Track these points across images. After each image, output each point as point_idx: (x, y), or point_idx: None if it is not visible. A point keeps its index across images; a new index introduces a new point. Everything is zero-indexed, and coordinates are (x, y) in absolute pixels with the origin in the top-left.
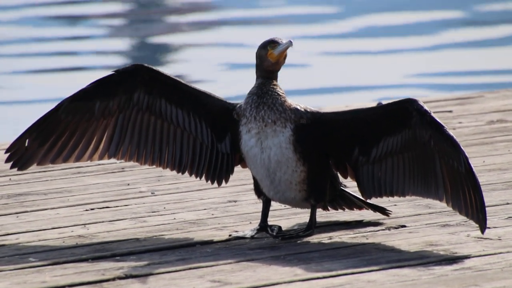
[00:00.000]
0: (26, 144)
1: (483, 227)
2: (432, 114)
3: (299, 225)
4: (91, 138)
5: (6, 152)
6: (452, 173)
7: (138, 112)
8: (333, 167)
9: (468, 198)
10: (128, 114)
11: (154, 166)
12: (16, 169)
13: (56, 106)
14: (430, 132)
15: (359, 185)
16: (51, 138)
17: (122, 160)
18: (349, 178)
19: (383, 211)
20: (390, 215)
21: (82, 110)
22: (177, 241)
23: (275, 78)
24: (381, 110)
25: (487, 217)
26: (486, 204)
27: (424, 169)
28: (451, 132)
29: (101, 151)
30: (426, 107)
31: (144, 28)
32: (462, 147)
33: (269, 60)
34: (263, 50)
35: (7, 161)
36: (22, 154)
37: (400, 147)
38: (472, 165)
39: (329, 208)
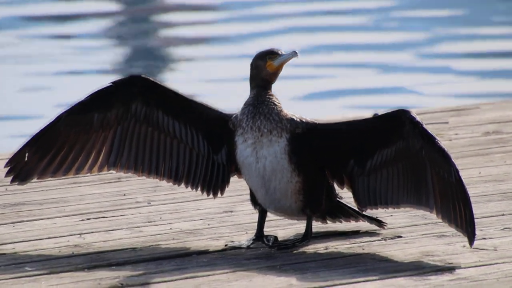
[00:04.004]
0: (26, 158)
1: (471, 240)
2: (424, 125)
3: (295, 235)
4: (91, 150)
5: (5, 166)
6: (443, 184)
7: (136, 124)
8: (329, 177)
9: (458, 210)
10: (126, 126)
11: (151, 178)
12: (17, 183)
13: (55, 119)
14: (422, 143)
15: (354, 196)
16: (51, 151)
17: (120, 172)
18: (345, 189)
19: (379, 223)
20: (385, 227)
21: (81, 122)
22: (173, 251)
23: (270, 88)
24: (375, 121)
25: (484, 228)
26: (482, 215)
27: (416, 180)
28: (442, 144)
29: (101, 162)
30: (418, 118)
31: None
32: (453, 159)
33: (267, 70)
34: (261, 60)
35: (7, 175)
36: (22, 167)
37: (394, 158)
38: (462, 178)
39: (327, 221)
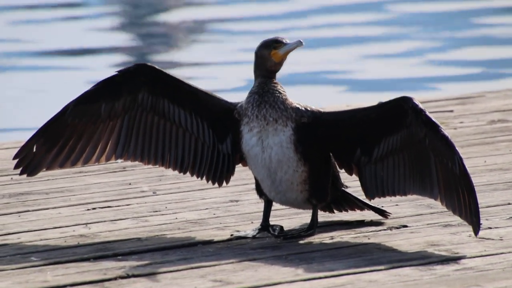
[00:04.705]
0: (34, 150)
1: (476, 229)
2: (427, 113)
3: (301, 225)
4: (98, 140)
5: (14, 158)
6: (446, 173)
7: (142, 113)
8: (338, 165)
9: (462, 199)
10: (133, 115)
11: (157, 166)
12: (25, 175)
13: (62, 110)
14: (425, 131)
15: (362, 185)
16: (59, 143)
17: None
18: (351, 178)
19: (382, 213)
20: (389, 217)
21: (88, 113)
22: (178, 241)
23: (275, 77)
24: (378, 109)
25: (490, 217)
26: (487, 204)
27: (421, 168)
28: (446, 132)
29: (108, 152)
30: (421, 105)
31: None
32: (456, 148)
33: (272, 60)
34: (266, 49)
35: (15, 167)
36: (30, 160)
37: (400, 146)
38: (466, 166)
39: (334, 210)
